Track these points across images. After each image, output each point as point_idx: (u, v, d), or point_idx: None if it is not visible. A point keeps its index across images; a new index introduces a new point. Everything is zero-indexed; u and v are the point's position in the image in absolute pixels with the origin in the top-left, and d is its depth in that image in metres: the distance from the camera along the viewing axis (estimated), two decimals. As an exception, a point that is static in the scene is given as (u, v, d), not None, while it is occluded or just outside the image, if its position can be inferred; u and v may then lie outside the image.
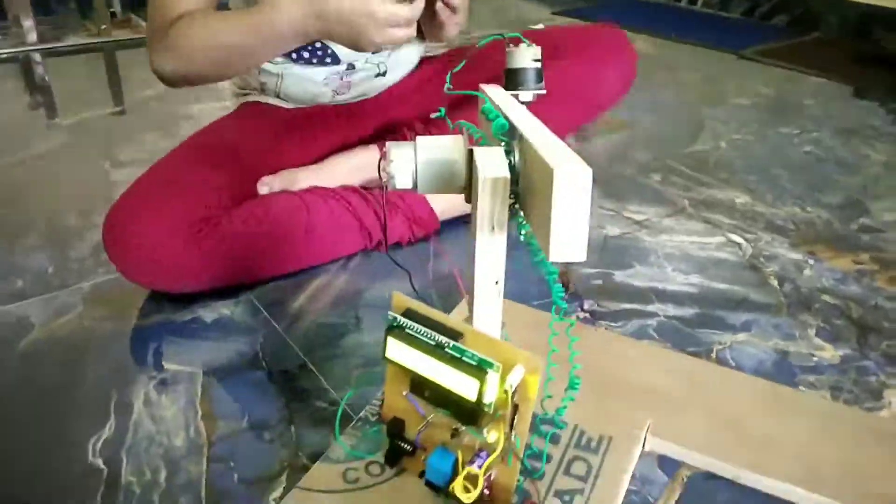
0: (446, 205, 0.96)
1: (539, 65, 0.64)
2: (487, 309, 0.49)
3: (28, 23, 1.73)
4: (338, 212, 0.89)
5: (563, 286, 0.82)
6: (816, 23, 2.18)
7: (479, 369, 0.45)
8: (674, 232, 1.00)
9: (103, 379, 0.70)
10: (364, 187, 0.94)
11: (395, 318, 0.48)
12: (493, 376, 0.45)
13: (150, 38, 0.82)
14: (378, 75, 1.01)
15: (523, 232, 0.46)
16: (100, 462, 0.60)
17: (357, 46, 0.76)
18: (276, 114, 0.99)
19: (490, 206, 0.43)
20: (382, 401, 0.57)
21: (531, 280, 0.87)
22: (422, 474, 0.53)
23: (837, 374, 0.73)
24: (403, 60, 1.03)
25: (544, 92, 0.64)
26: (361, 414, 0.62)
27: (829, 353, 0.76)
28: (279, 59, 0.94)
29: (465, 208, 0.96)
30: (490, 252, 0.46)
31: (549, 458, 0.59)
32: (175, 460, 0.60)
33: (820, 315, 0.82)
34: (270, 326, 0.78)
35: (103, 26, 1.82)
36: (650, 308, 0.83)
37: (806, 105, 1.55)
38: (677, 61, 1.89)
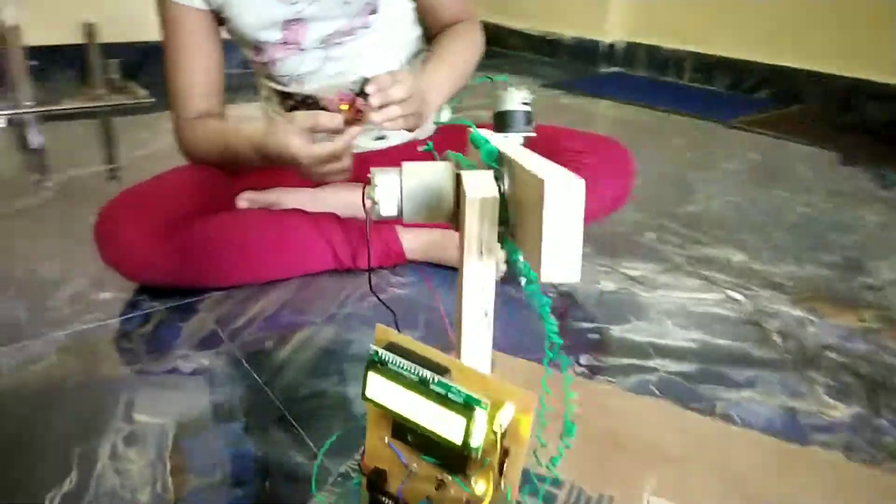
0: (417, 245, 0.99)
1: (528, 108, 0.64)
2: (475, 341, 0.45)
3: (26, 88, 1.75)
4: (310, 236, 0.94)
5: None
6: (799, 96, 2.23)
7: (465, 407, 0.41)
8: (671, 288, 0.98)
9: (70, 430, 0.65)
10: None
11: (377, 352, 0.45)
12: (480, 414, 0.41)
13: (174, 132, 1.01)
14: (378, 139, 1.03)
15: (516, 258, 0.43)
16: (55, 520, 0.55)
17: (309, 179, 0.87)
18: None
19: (478, 229, 0.41)
20: (363, 453, 0.53)
21: (526, 332, 0.84)
22: (407, 533, 0.48)
23: (851, 433, 0.69)
24: (406, 134, 1.03)
25: (534, 135, 0.63)
26: (342, 469, 0.58)
27: (840, 412, 0.72)
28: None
29: (434, 255, 0.99)
30: (478, 279, 0.43)
31: (545, 518, 0.55)
32: (137, 518, 0.55)
33: (827, 372, 0.79)
34: (251, 378, 0.73)
35: (101, 91, 1.84)
36: (650, 363, 0.79)
37: (795, 170, 1.56)
38: (665, 129, 1.92)
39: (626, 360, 0.80)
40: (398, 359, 0.44)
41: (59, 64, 2.04)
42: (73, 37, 1.98)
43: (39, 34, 1.94)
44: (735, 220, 1.24)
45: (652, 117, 2.03)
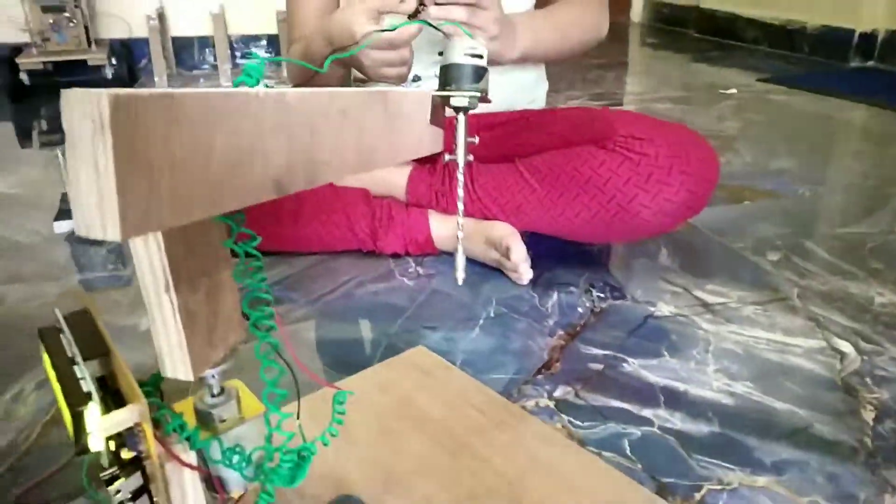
0: (447, 235, 0.87)
1: (480, 61, 0.50)
2: (166, 328, 0.35)
3: (227, 71, 1.96)
4: (332, 216, 0.87)
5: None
6: None
7: (84, 396, 0.32)
8: (750, 324, 0.73)
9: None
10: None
11: (57, 319, 0.37)
12: (93, 409, 0.31)
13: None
14: (414, 80, 0.93)
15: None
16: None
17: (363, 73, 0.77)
18: None
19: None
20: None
21: (507, 350, 0.69)
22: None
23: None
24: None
25: (485, 93, 0.50)
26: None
27: (904, 541, 0.46)
28: None
29: (466, 248, 0.86)
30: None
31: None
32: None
33: (923, 478, 0.51)
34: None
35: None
36: (646, 413, 0.59)
37: None
38: (885, 132, 1.49)
39: (615, 403, 0.60)
40: (69, 332, 0.36)
41: (256, 48, 2.27)
42: (269, 26, 2.18)
43: (242, 24, 2.18)
44: (918, 250, 0.90)
45: (890, 120, 1.60)
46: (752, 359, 0.67)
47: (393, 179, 0.92)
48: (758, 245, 0.92)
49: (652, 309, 0.76)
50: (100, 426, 0.31)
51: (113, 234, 0.26)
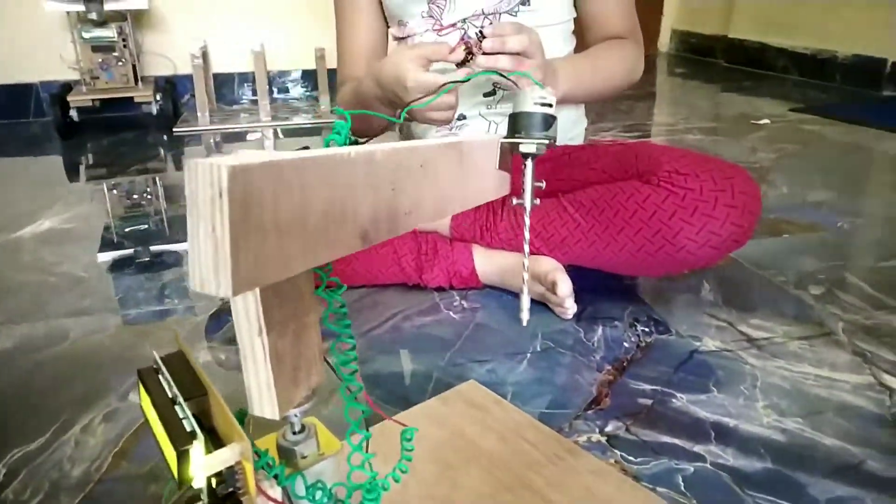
0: (491, 269, 0.89)
1: (550, 110, 0.52)
2: (256, 369, 0.38)
3: (266, 105, 2.02)
4: (380, 250, 0.91)
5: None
6: None
7: (188, 436, 0.34)
8: (797, 360, 0.74)
9: (69, 398, 0.70)
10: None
11: (156, 360, 0.39)
12: (196, 451, 0.34)
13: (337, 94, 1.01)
14: (459, 118, 0.96)
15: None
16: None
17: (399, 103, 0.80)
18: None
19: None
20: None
21: (566, 387, 0.70)
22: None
23: None
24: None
25: (553, 139, 0.52)
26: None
27: (967, 582, 0.46)
28: None
29: (509, 282, 0.88)
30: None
31: None
32: None
33: (983, 518, 0.52)
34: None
35: (327, 109, 2.05)
36: (698, 449, 0.60)
37: None
38: (937, 165, 1.49)
39: (666, 439, 0.61)
40: (168, 373, 0.38)
41: (290, 82, 2.34)
42: (306, 61, 2.25)
43: (280, 60, 2.25)
44: (963, 283, 0.90)
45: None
46: (801, 394, 0.68)
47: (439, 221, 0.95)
48: (800, 279, 0.92)
49: (697, 344, 0.77)
50: (206, 464, 0.33)
51: (226, 291, 0.29)
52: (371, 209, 0.37)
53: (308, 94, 2.34)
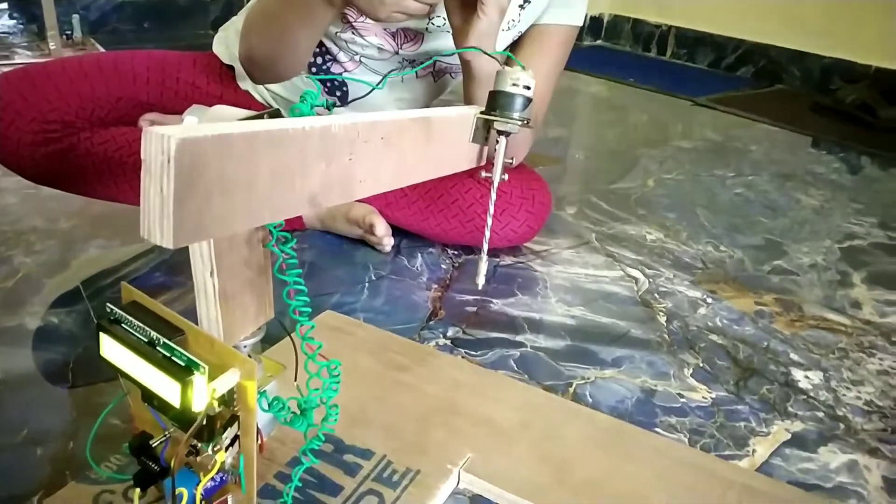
0: (313, 213, 0.95)
1: (528, 92, 0.54)
2: (207, 304, 0.43)
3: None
4: None
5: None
6: (779, 75, 2.16)
7: (184, 371, 0.39)
8: (569, 264, 0.95)
9: None
10: None
11: (112, 311, 0.42)
12: (199, 380, 0.39)
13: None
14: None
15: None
16: None
17: (372, 14, 0.69)
18: (228, 75, 0.97)
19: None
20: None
21: (408, 303, 0.81)
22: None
23: (704, 416, 0.66)
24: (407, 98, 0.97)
25: (527, 122, 0.54)
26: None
27: (700, 395, 0.69)
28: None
29: (329, 225, 0.95)
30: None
31: (337, 490, 0.53)
32: (-80, 473, 0.53)
33: (702, 355, 0.76)
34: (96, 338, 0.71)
35: (53, 46, 1.82)
36: (518, 338, 0.77)
37: (750, 150, 1.51)
38: (629, 104, 1.87)
39: (494, 335, 0.77)
40: (133, 320, 0.42)
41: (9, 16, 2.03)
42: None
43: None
44: (666, 198, 1.20)
45: (623, 92, 1.97)
46: (578, 289, 0.88)
47: None
48: (558, 202, 1.15)
49: (497, 260, 0.94)
50: (216, 387, 0.38)
51: (167, 243, 0.33)
52: (323, 177, 0.43)
53: (23, 26, 2.04)
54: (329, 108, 0.47)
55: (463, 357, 0.72)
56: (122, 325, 0.42)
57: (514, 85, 0.53)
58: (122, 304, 0.43)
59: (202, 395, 0.39)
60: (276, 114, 0.44)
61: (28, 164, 0.83)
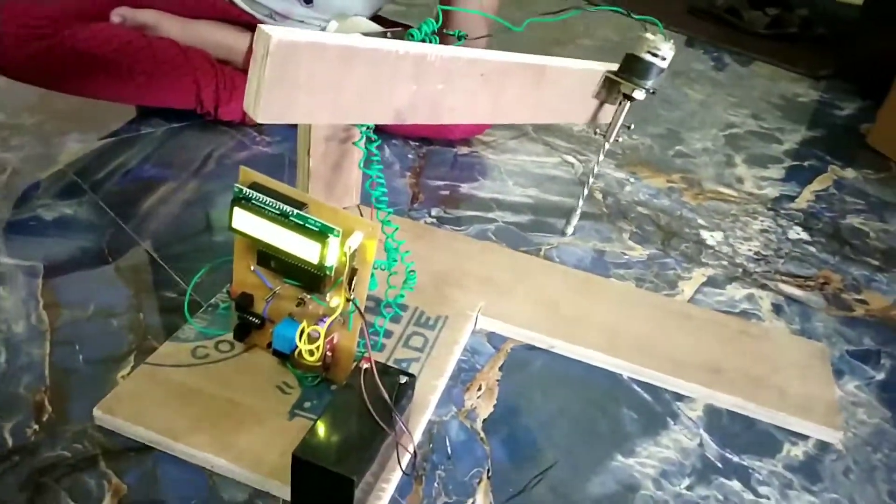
0: None
1: (663, 63, 0.57)
2: (302, 176, 0.52)
3: None
4: (178, 69, 0.93)
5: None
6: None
7: (321, 234, 0.49)
8: (516, 152, 1.09)
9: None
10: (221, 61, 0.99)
11: (241, 190, 0.51)
12: (333, 240, 0.49)
13: None
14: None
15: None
16: (-70, 349, 0.58)
17: None
18: None
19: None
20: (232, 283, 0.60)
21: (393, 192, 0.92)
22: (270, 346, 0.57)
23: (643, 268, 0.84)
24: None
25: (651, 93, 0.57)
26: (212, 301, 0.65)
27: (638, 252, 0.88)
28: None
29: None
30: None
31: (389, 334, 0.65)
32: (15, 344, 0.59)
33: (634, 222, 0.94)
34: (117, 225, 0.77)
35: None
36: (490, 215, 0.91)
37: (642, 49, 1.69)
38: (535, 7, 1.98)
39: (470, 213, 0.90)
40: (261, 195, 0.51)
41: None
42: None
43: None
44: (581, 93, 1.35)
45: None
46: (528, 174, 1.03)
47: (233, 45, 1.00)
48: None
49: (455, 150, 1.06)
50: (351, 244, 0.49)
51: (255, 117, 0.43)
52: (410, 97, 0.50)
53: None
54: (460, 38, 0.54)
55: (450, 231, 0.86)
56: (252, 201, 0.51)
57: (652, 54, 0.55)
58: (246, 185, 0.51)
59: (335, 253, 0.50)
60: (398, 35, 0.52)
61: (12, 62, 0.83)
